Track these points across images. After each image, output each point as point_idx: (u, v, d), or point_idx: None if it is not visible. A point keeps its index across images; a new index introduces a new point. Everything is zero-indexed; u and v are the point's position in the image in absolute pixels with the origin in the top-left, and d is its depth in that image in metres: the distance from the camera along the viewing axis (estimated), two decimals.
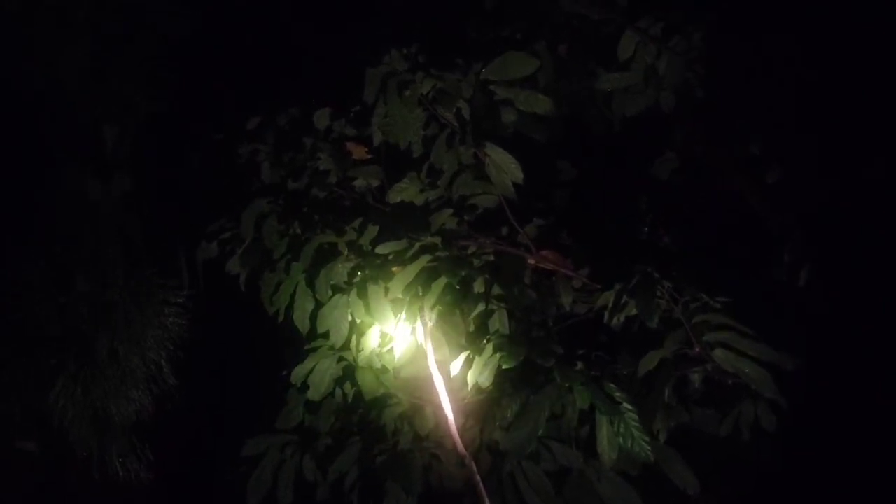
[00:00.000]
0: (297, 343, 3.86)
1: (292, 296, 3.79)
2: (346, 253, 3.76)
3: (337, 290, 3.73)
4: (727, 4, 3.78)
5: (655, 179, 4.25)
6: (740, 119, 3.94)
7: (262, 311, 3.90)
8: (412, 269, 3.52)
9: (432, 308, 3.53)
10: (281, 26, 5.04)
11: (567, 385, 3.18)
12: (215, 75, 4.84)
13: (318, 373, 3.77)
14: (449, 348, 3.62)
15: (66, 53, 4.61)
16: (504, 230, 3.83)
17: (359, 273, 3.75)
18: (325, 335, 3.78)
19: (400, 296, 3.57)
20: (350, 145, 3.99)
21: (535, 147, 3.71)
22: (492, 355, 3.37)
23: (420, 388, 3.75)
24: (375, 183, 3.99)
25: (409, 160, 3.82)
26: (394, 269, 3.63)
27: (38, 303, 4.51)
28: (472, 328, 3.63)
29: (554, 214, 4.04)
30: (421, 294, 3.54)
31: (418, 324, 3.63)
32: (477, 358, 3.42)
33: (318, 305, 3.75)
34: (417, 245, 3.62)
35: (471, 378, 3.42)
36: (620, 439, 3.09)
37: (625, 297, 3.30)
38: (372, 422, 3.82)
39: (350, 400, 3.88)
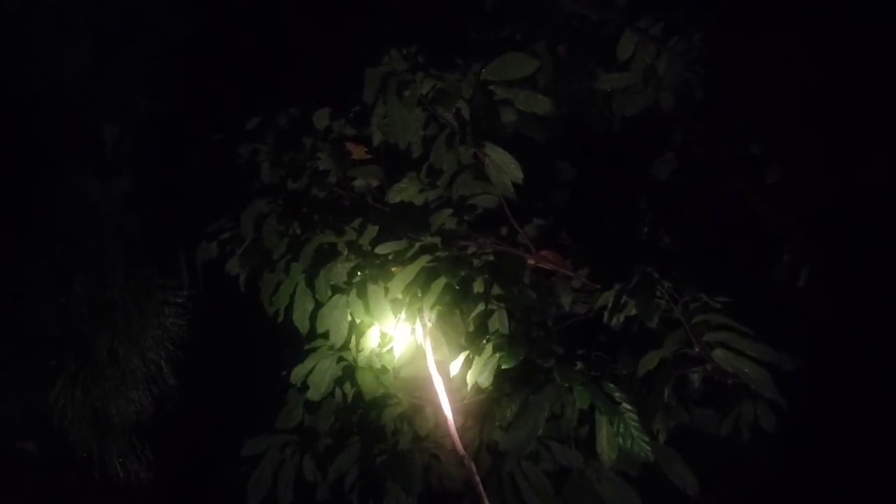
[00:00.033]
0: (297, 343, 3.86)
1: (292, 296, 3.79)
2: (345, 253, 3.76)
3: (336, 290, 3.73)
4: (727, 4, 3.78)
5: (655, 179, 4.25)
6: (740, 119, 3.94)
7: (262, 311, 3.90)
8: (412, 270, 3.52)
9: (432, 308, 3.53)
10: (281, 26, 5.04)
11: (567, 385, 3.17)
12: (215, 75, 4.85)
13: (318, 373, 3.76)
14: (448, 348, 3.62)
15: (66, 53, 4.61)
16: (504, 230, 3.83)
17: (358, 273, 3.75)
18: (325, 335, 3.78)
19: (399, 296, 3.56)
20: (350, 145, 3.98)
21: (535, 147, 3.71)
22: (491, 355, 3.37)
23: (420, 388, 3.75)
24: (375, 183, 3.98)
25: (409, 160, 3.81)
26: (393, 269, 3.63)
27: (38, 303, 4.52)
28: (471, 328, 3.63)
29: (554, 214, 4.03)
30: (420, 294, 3.54)
31: (418, 324, 3.63)
32: (476, 358, 3.42)
33: (318, 305, 3.75)
34: (417, 245, 3.62)
35: (470, 378, 3.42)
36: (620, 439, 3.09)
37: (624, 297, 3.29)
38: (372, 422, 3.81)
39: (350, 400, 3.87)
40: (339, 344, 3.75)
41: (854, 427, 3.57)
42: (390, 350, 3.74)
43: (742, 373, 3.01)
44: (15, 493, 4.73)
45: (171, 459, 4.82)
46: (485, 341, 3.48)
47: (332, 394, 3.84)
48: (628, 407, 3.12)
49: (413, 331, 3.68)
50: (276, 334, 3.97)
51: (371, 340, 3.77)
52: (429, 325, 3.61)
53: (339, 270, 3.72)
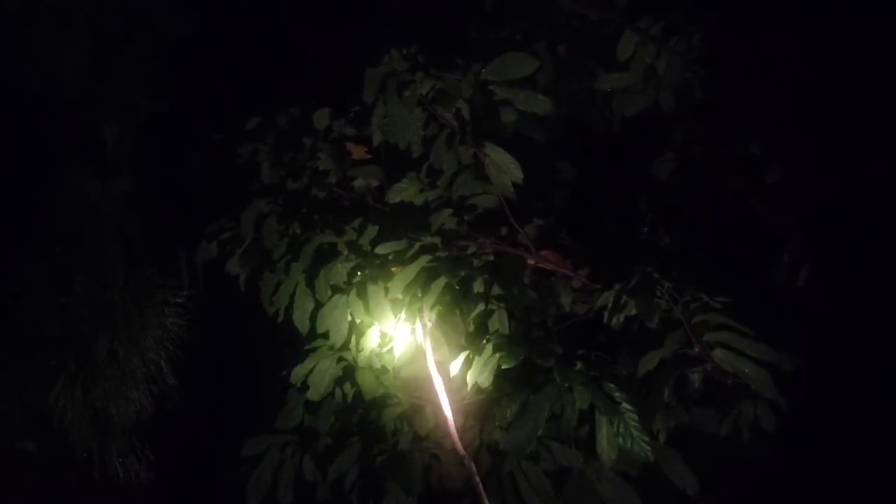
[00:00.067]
0: (297, 343, 3.86)
1: (292, 296, 3.79)
2: (345, 253, 3.76)
3: (336, 290, 3.73)
4: (727, 4, 3.78)
5: (655, 179, 4.25)
6: (740, 119, 3.94)
7: (262, 311, 3.90)
8: (412, 270, 3.52)
9: (432, 308, 3.53)
10: (281, 26, 5.04)
11: (567, 385, 3.17)
12: (215, 75, 4.85)
13: (318, 373, 3.76)
14: (448, 348, 3.62)
15: (66, 53, 4.61)
16: (504, 230, 3.83)
17: (358, 273, 3.75)
18: (325, 335, 3.78)
19: (399, 296, 3.56)
20: (350, 145, 3.98)
21: (535, 147, 3.71)
22: (491, 355, 3.37)
23: (420, 388, 3.75)
24: (375, 183, 3.98)
25: (409, 160, 3.81)
26: (393, 269, 3.63)
27: (38, 303, 4.52)
28: (471, 328, 3.63)
29: (553, 214, 4.03)
30: (420, 294, 3.54)
31: (418, 324, 3.63)
32: (476, 358, 3.42)
33: (318, 305, 3.75)
34: (417, 245, 3.62)
35: (470, 378, 3.42)
36: (620, 439, 3.09)
37: (624, 297, 3.29)
38: (372, 422, 3.81)
39: (350, 400, 3.88)
40: (339, 344, 3.75)
41: (854, 427, 3.56)
42: (390, 350, 3.74)
43: (742, 373, 3.01)
44: (15, 493, 4.73)
45: (171, 459, 4.82)
46: (485, 341, 3.47)
47: (332, 394, 3.84)
48: (628, 407, 3.12)
49: (413, 331, 3.68)
50: (276, 334, 3.97)
51: (371, 340, 3.77)
52: (429, 325, 3.61)
53: (339, 270, 3.72)
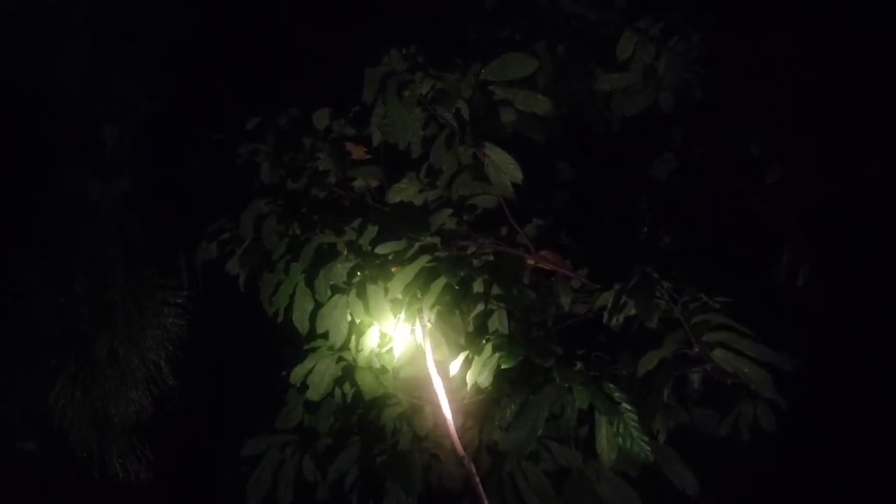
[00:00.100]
0: (297, 343, 3.86)
1: (291, 296, 3.79)
2: (345, 253, 3.76)
3: (336, 290, 3.73)
4: (727, 4, 3.78)
5: (655, 179, 4.25)
6: (740, 119, 3.93)
7: (262, 311, 3.90)
8: (411, 270, 3.52)
9: (431, 308, 3.53)
10: (281, 26, 5.05)
11: (566, 385, 3.17)
12: (215, 75, 4.85)
13: (318, 373, 3.77)
14: (448, 348, 3.62)
15: (66, 53, 4.62)
16: (503, 230, 3.83)
17: (358, 273, 3.75)
18: (325, 335, 3.78)
19: (399, 296, 3.57)
20: (349, 145, 3.98)
21: (535, 147, 3.71)
22: (491, 355, 3.37)
23: (419, 388, 3.75)
24: (374, 183, 3.98)
25: (409, 160, 3.81)
26: (393, 269, 3.63)
27: (38, 303, 4.52)
28: (471, 328, 3.63)
29: (553, 215, 4.03)
30: (420, 294, 3.54)
31: (418, 324, 3.63)
32: (476, 358, 3.42)
33: (318, 306, 3.75)
34: (417, 245, 3.62)
35: (470, 378, 3.42)
36: (620, 439, 3.09)
37: (624, 298, 3.29)
38: (371, 422, 3.82)
39: (350, 400, 3.88)
40: (338, 344, 3.75)
41: (854, 427, 3.56)
42: (390, 350, 3.74)
43: (742, 373, 3.01)
44: (15, 493, 4.73)
45: (171, 459, 4.82)
46: (484, 341, 3.47)
47: (331, 394, 3.84)
48: (628, 407, 3.12)
49: (413, 331, 3.67)
50: (276, 334, 3.97)
51: (371, 340, 3.77)
52: (428, 325, 3.61)
53: (339, 270, 3.72)
